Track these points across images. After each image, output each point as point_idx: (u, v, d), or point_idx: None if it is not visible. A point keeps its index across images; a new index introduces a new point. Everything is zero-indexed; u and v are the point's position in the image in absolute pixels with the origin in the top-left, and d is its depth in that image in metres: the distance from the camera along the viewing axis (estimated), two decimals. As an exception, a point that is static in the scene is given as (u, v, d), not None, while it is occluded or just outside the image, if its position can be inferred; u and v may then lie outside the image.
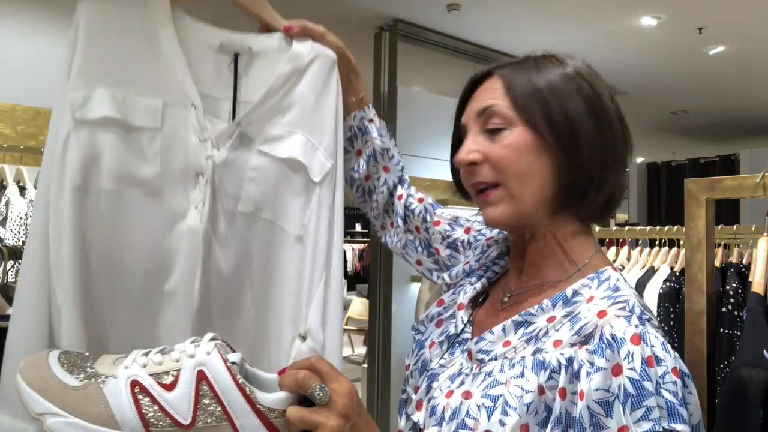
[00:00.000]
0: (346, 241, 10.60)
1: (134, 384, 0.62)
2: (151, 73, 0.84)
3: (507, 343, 0.70)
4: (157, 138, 0.83)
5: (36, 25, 2.38)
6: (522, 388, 0.63)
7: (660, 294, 1.82)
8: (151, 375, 0.63)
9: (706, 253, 1.16)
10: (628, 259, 2.13)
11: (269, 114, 0.89)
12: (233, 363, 0.64)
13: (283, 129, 0.89)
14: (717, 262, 1.63)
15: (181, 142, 0.85)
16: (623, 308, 0.64)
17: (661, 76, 5.61)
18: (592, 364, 0.61)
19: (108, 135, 0.80)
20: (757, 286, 1.24)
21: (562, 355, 0.64)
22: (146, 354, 0.65)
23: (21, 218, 2.00)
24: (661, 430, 0.56)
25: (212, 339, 0.66)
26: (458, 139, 0.80)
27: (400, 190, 1.04)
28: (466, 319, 0.79)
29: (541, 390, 0.63)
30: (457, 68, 4.86)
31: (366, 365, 4.28)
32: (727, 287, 1.51)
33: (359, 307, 6.94)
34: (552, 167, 0.71)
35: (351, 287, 11.01)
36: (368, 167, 1.03)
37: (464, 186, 0.79)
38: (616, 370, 0.59)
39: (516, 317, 0.71)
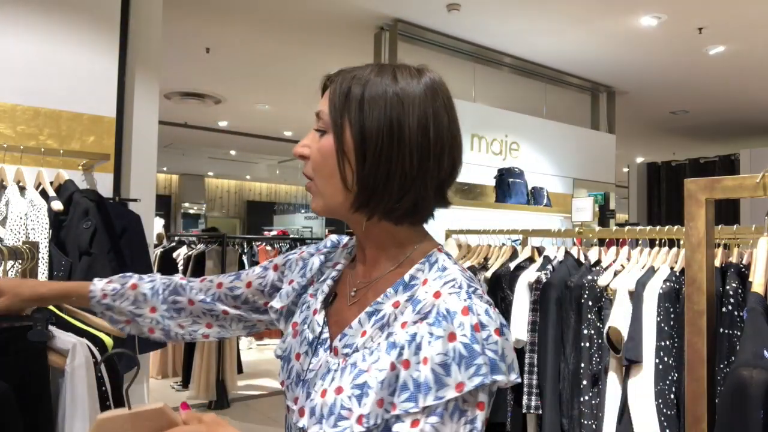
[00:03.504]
0: (346, 241, 10.63)
1: None
2: None
3: (364, 333, 0.79)
4: None
5: (36, 25, 2.38)
6: (378, 369, 0.73)
7: (660, 294, 1.82)
8: None
9: (706, 253, 1.16)
10: (628, 259, 2.13)
11: None
12: None
13: None
14: (717, 262, 1.63)
15: None
16: (453, 286, 0.76)
17: (661, 76, 5.61)
18: (431, 334, 0.72)
19: None
20: (757, 286, 1.24)
21: (407, 332, 0.74)
22: None
23: (21, 218, 2.00)
24: (489, 381, 0.69)
25: None
26: None
27: (188, 296, 1.06)
28: (321, 321, 0.86)
29: (392, 366, 0.73)
30: (457, 68, 4.87)
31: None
32: (727, 287, 1.51)
33: (359, 307, 6.92)
34: (351, 170, 0.80)
35: (351, 287, 10.99)
36: (142, 324, 1.07)
37: None
38: (451, 337, 0.71)
39: (368, 309, 0.80)
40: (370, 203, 0.81)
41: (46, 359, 1.25)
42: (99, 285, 1.09)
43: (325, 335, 0.84)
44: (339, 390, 0.75)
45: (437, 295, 0.76)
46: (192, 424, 0.76)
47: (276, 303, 0.96)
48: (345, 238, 1.00)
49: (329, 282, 0.92)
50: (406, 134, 0.78)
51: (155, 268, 4.39)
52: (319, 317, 0.86)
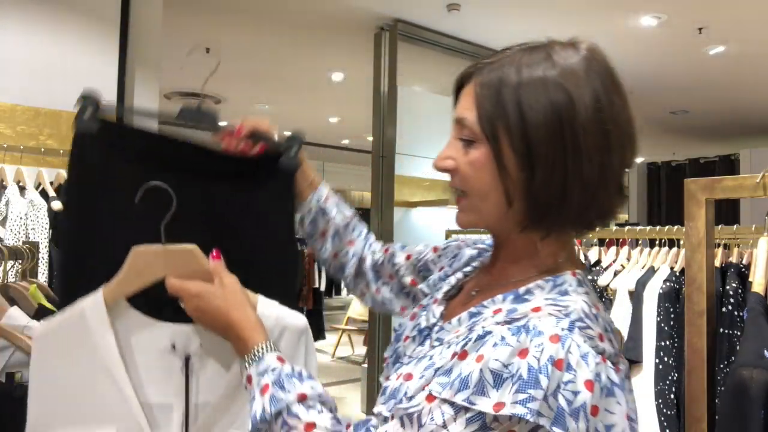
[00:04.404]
0: (346, 241, 10.63)
1: None
2: (102, 399, 0.84)
3: (457, 332, 0.73)
4: None
5: (36, 25, 2.38)
6: (440, 358, 0.68)
7: (660, 294, 1.82)
8: None
9: (706, 253, 1.16)
10: (628, 259, 2.13)
11: (228, 417, 0.85)
12: None
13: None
14: (717, 262, 1.63)
15: None
16: (560, 310, 0.65)
17: (661, 76, 5.61)
18: (503, 338, 0.62)
19: None
20: (757, 286, 1.24)
21: (483, 328, 0.66)
22: None
23: (21, 218, 2.00)
24: (532, 420, 0.57)
25: None
26: None
27: (367, 253, 1.08)
28: (438, 313, 0.82)
29: (452, 356, 0.66)
30: (457, 68, 4.83)
31: (366, 365, 4.28)
32: (727, 287, 1.51)
33: (359, 307, 6.94)
34: (514, 185, 0.70)
35: (351, 287, 11.00)
36: (333, 246, 1.07)
37: None
38: (522, 353, 0.60)
39: (472, 309, 0.74)
40: (545, 221, 0.70)
41: (294, 191, 1.07)
42: (327, 188, 1.08)
43: (438, 327, 0.79)
44: (408, 377, 0.70)
45: (536, 309, 0.66)
46: (215, 284, 0.81)
47: (424, 287, 0.94)
48: None
49: (459, 275, 0.87)
50: (579, 133, 0.66)
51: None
52: (437, 308, 0.82)
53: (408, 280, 1.02)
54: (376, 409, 0.72)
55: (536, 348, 0.60)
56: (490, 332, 0.64)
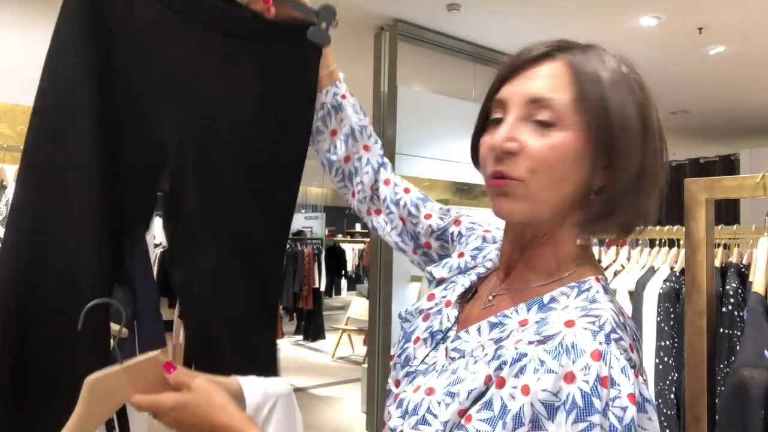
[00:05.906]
0: (346, 241, 10.61)
1: None
2: None
3: (478, 342, 0.70)
4: None
5: (37, 25, 2.39)
6: (472, 380, 0.64)
7: (660, 294, 1.82)
8: None
9: (706, 253, 1.16)
10: (628, 259, 2.13)
11: None
12: None
13: None
14: (717, 262, 1.63)
15: None
16: (593, 323, 0.62)
17: (661, 77, 5.60)
18: (542, 363, 0.59)
19: None
20: (757, 286, 1.24)
21: (517, 350, 0.62)
22: None
23: (21, 218, 2.00)
24: None
25: None
26: (485, 113, 0.76)
27: (385, 174, 1.00)
28: (453, 318, 0.78)
29: (487, 379, 0.63)
30: (457, 68, 4.86)
31: (366, 365, 4.28)
32: (727, 287, 1.51)
33: (359, 307, 6.94)
34: (586, 179, 0.67)
35: (351, 287, 11.01)
36: (347, 148, 0.98)
37: (480, 166, 0.76)
38: (569, 378, 0.57)
39: (492, 318, 0.70)
40: (608, 217, 0.68)
41: (318, 68, 0.99)
42: (346, 86, 0.99)
43: (453, 332, 0.75)
44: (430, 391, 0.67)
45: (569, 324, 0.62)
46: (183, 390, 0.74)
47: (436, 272, 0.88)
48: None
49: (473, 278, 0.82)
50: (652, 127, 0.68)
51: (156, 268, 4.38)
52: (452, 312, 0.78)
53: (423, 240, 0.97)
54: (392, 423, 0.69)
55: (582, 370, 0.57)
56: (525, 354, 0.61)
